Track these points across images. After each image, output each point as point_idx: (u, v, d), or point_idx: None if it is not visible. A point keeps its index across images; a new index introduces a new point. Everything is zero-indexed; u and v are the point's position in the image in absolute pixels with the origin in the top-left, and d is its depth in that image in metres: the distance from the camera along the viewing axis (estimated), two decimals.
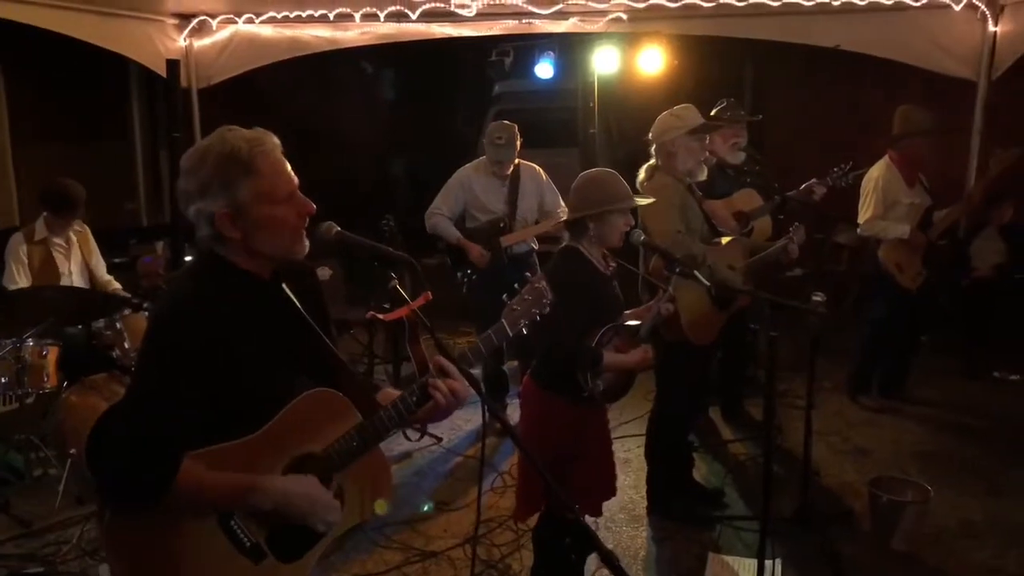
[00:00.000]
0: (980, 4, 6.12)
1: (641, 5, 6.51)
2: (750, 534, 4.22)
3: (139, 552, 1.98)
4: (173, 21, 7.29)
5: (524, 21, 6.87)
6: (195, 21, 7.30)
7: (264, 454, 2.02)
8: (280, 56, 7.34)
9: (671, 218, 4.07)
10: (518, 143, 5.56)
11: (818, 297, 3.61)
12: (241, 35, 7.34)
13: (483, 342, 2.26)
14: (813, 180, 5.28)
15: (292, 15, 7.07)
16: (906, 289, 5.70)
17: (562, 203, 5.57)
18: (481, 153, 5.81)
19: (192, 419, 1.94)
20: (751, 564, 3.77)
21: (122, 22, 6.85)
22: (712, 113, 5.36)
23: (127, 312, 5.01)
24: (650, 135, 4.27)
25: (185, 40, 7.36)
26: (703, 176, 4.36)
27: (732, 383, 5.97)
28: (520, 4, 6.60)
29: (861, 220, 5.79)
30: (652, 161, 4.27)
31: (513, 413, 5.10)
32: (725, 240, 4.34)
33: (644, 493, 4.61)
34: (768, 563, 3.46)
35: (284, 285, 2.14)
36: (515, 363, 6.25)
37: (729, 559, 4.04)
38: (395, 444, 5.39)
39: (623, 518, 4.52)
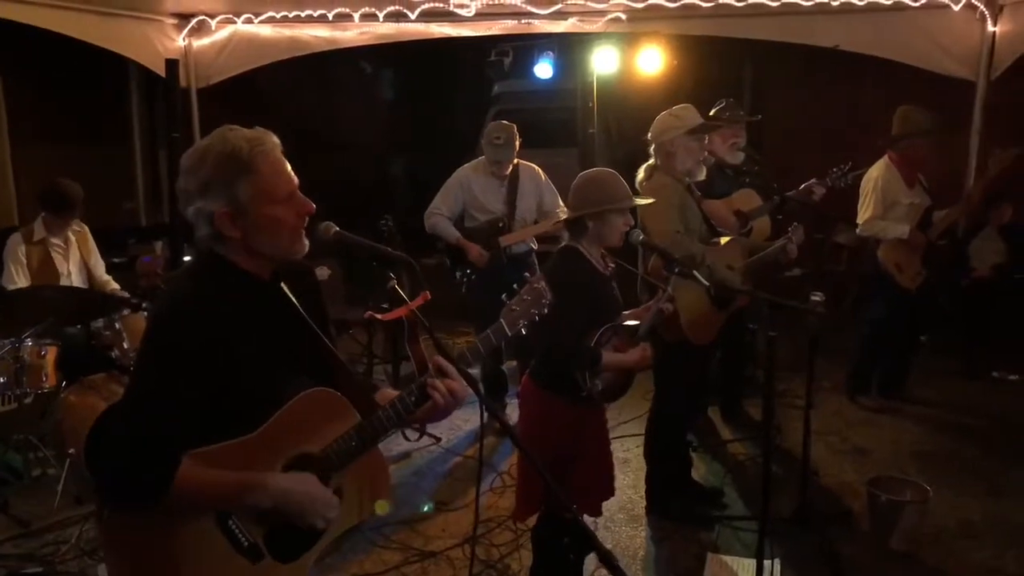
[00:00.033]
0: (979, 4, 6.13)
1: (640, 5, 6.51)
2: (749, 534, 4.22)
3: (137, 552, 1.98)
4: (172, 21, 7.29)
5: (523, 21, 6.87)
6: (194, 21, 7.30)
7: (262, 454, 2.02)
8: (279, 56, 7.34)
9: (670, 218, 4.07)
10: (517, 143, 5.56)
11: (817, 297, 3.61)
12: (240, 35, 7.34)
13: (482, 342, 2.26)
14: (812, 180, 5.28)
15: (291, 15, 7.07)
16: (905, 289, 5.70)
17: (561, 203, 5.56)
18: (480, 153, 5.80)
19: (191, 419, 1.93)
20: (750, 564, 3.77)
21: (121, 22, 6.85)
22: (711, 113, 5.36)
23: (126, 312, 5.01)
24: (649, 135, 4.27)
25: (184, 40, 7.36)
26: (702, 176, 4.35)
27: (731, 383, 5.97)
28: (519, 4, 6.60)
29: (860, 220, 5.79)
30: (651, 161, 4.26)
31: (512, 413, 5.09)
32: (724, 240, 4.34)
33: (643, 493, 4.61)
34: (767, 563, 3.45)
35: (283, 285, 2.14)
36: (514, 363, 6.24)
37: (728, 559, 4.03)
38: (394, 444, 5.39)
39: (622, 518, 4.52)
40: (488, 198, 5.68)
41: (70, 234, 5.52)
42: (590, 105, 7.42)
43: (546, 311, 2.29)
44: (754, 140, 6.07)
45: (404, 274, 3.74)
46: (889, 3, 6.21)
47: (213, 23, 7.31)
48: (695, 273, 3.51)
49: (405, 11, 6.79)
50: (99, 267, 5.72)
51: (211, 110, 7.58)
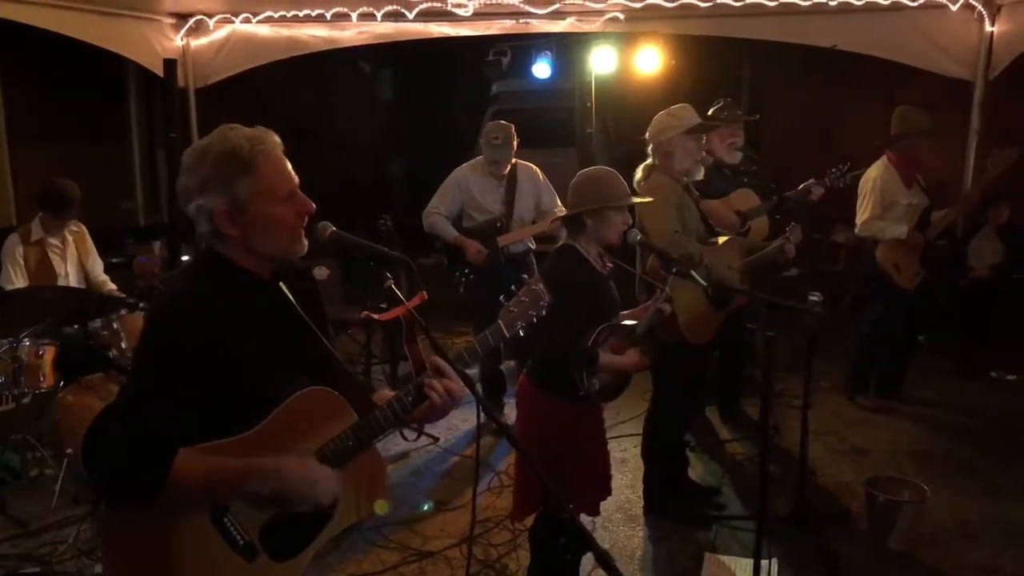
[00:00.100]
0: (977, 4, 6.13)
1: (638, 5, 6.51)
2: (746, 534, 4.23)
3: (133, 551, 1.98)
4: (170, 20, 7.28)
5: (521, 21, 6.87)
6: (192, 20, 7.29)
7: (258, 452, 2.01)
8: (277, 56, 7.33)
9: (668, 218, 4.07)
10: (515, 143, 5.56)
11: (815, 297, 3.60)
12: (238, 35, 7.33)
13: (480, 343, 2.27)
14: (811, 180, 5.29)
15: (289, 15, 7.06)
16: (903, 289, 5.71)
17: (559, 203, 5.56)
18: (478, 153, 5.80)
19: (189, 418, 1.93)
20: (747, 564, 3.77)
21: (119, 22, 6.85)
22: (709, 113, 5.37)
23: (124, 312, 5.01)
24: (647, 135, 4.27)
25: (182, 40, 7.35)
26: (700, 176, 4.36)
27: (729, 383, 5.97)
28: (517, 4, 6.60)
29: (859, 221, 5.79)
30: (649, 161, 4.26)
31: (510, 413, 5.10)
32: (722, 240, 4.34)
33: (641, 493, 4.61)
34: (764, 563, 3.45)
35: (282, 285, 2.14)
36: (512, 363, 6.25)
37: (725, 559, 4.04)
38: (392, 444, 5.39)
39: (620, 518, 4.52)
40: (486, 198, 5.68)
41: (67, 234, 5.52)
42: (588, 105, 7.42)
43: (544, 313, 2.30)
44: (752, 140, 6.08)
45: (402, 274, 3.75)
46: (887, 3, 6.21)
47: (211, 23, 7.30)
48: (693, 273, 3.51)
49: (403, 11, 6.79)
50: (97, 267, 5.72)
51: (209, 110, 7.58)
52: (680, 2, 6.40)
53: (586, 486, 3.46)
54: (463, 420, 5.70)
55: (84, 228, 5.66)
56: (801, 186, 5.29)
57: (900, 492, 4.25)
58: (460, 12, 6.75)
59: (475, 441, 3.31)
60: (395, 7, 6.76)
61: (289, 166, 2.06)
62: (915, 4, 6.20)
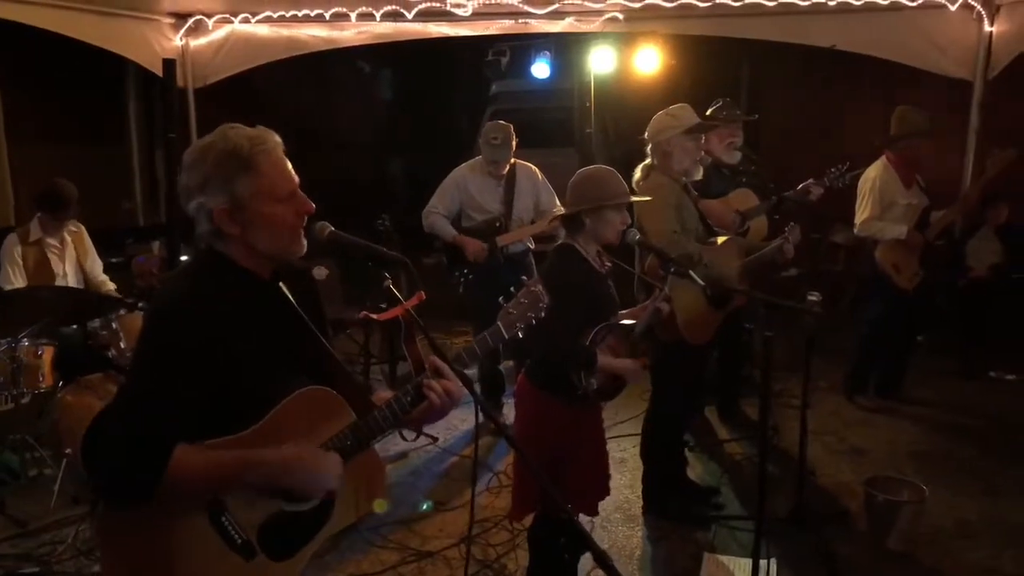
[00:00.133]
0: (976, 4, 6.14)
1: (637, 5, 6.51)
2: (745, 534, 4.23)
3: (132, 550, 1.98)
4: (169, 20, 7.28)
5: (520, 21, 6.87)
6: (191, 20, 7.29)
7: None
8: (276, 56, 7.33)
9: (667, 218, 4.07)
10: (514, 143, 5.56)
11: (813, 297, 3.60)
12: (237, 34, 7.33)
13: (479, 344, 2.27)
14: (810, 180, 5.28)
15: (288, 14, 7.06)
16: (903, 290, 5.71)
17: (558, 203, 5.56)
18: (477, 153, 5.80)
19: (188, 418, 1.93)
20: (746, 564, 3.77)
21: (118, 22, 6.85)
22: (708, 113, 5.36)
23: (123, 312, 5.01)
24: (646, 134, 4.27)
25: (181, 39, 7.35)
26: (699, 176, 4.36)
27: (728, 383, 5.97)
28: (516, 4, 6.60)
29: (858, 221, 5.79)
30: (648, 160, 4.26)
31: (509, 413, 5.10)
32: (720, 240, 4.34)
33: (640, 493, 4.61)
34: (763, 563, 3.45)
35: (282, 285, 2.14)
36: (511, 363, 6.25)
37: (724, 559, 4.04)
38: (391, 444, 5.39)
39: (619, 518, 4.52)
40: (485, 198, 5.68)
41: (66, 234, 5.52)
42: (587, 105, 7.42)
43: (543, 315, 2.30)
44: (751, 140, 6.08)
45: (402, 274, 3.74)
46: (886, 3, 6.21)
47: (210, 23, 7.30)
48: (691, 273, 3.51)
49: (402, 11, 6.79)
50: (96, 267, 5.72)
51: (208, 110, 7.58)
52: (679, 2, 6.40)
53: (584, 486, 3.46)
54: (462, 420, 5.70)
55: (83, 228, 5.66)
56: (800, 186, 5.29)
57: (899, 492, 4.25)
58: (459, 12, 6.75)
59: (474, 441, 3.31)
60: (394, 7, 6.77)
61: (289, 166, 2.07)
62: (914, 4, 6.20)
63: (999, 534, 4.30)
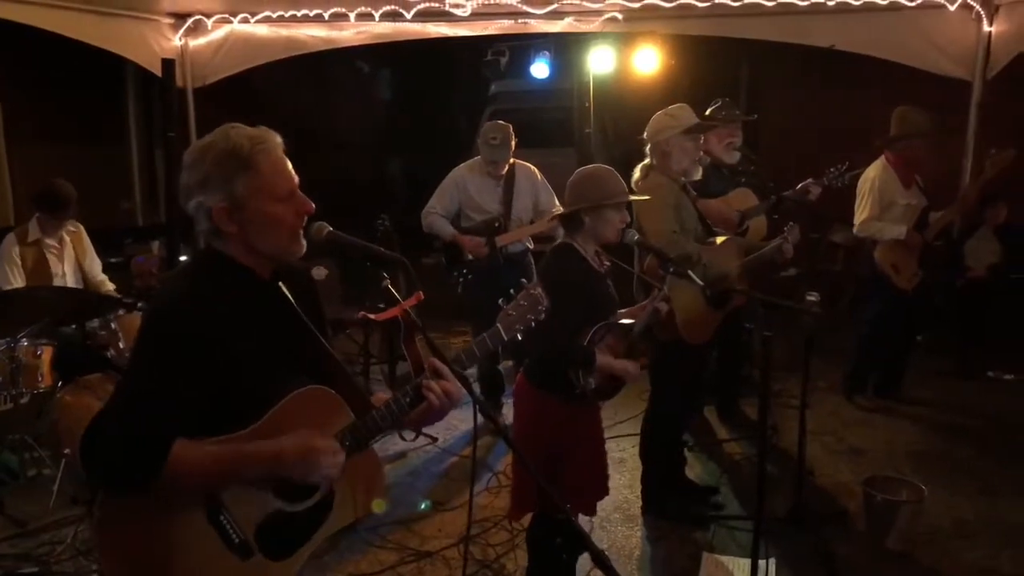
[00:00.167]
0: (975, 4, 6.13)
1: (636, 5, 6.51)
2: (744, 534, 4.23)
3: (129, 549, 1.98)
4: (168, 20, 7.27)
5: (519, 21, 6.87)
6: (190, 20, 7.28)
7: None
8: (275, 56, 7.33)
9: (666, 218, 4.07)
10: (513, 143, 5.55)
11: (812, 297, 3.61)
12: (236, 34, 7.33)
13: (478, 346, 2.28)
14: (809, 180, 5.28)
15: (287, 14, 7.05)
16: (902, 290, 5.71)
17: (557, 203, 5.56)
18: (477, 153, 5.81)
19: (187, 417, 1.93)
20: (745, 564, 3.78)
21: (118, 22, 6.84)
22: (707, 113, 5.36)
23: (121, 312, 5.01)
24: (645, 135, 4.26)
25: (180, 40, 7.34)
26: (698, 176, 4.36)
27: (728, 382, 5.97)
28: (515, 4, 6.60)
29: (857, 221, 5.79)
30: (647, 160, 4.26)
31: (509, 413, 5.10)
32: (720, 240, 4.34)
33: (639, 493, 4.61)
34: (762, 563, 3.45)
35: (281, 285, 2.14)
36: (510, 363, 6.25)
37: (723, 559, 4.04)
38: (390, 444, 5.40)
39: (618, 518, 4.52)
40: (484, 198, 5.68)
41: (65, 234, 5.51)
42: (586, 105, 7.43)
43: (542, 318, 2.31)
44: (750, 140, 6.08)
45: (401, 274, 3.74)
46: (885, 3, 6.21)
47: (209, 23, 7.29)
48: (690, 273, 3.51)
49: (401, 11, 6.79)
50: (95, 267, 5.71)
51: (207, 110, 7.57)
52: (678, 2, 6.40)
53: (582, 486, 3.45)
54: (461, 420, 5.69)
55: (81, 228, 5.66)
56: (799, 185, 5.29)
57: (898, 492, 4.25)
58: (458, 12, 6.75)
59: (472, 441, 3.31)
60: (393, 7, 6.77)
61: (290, 165, 2.07)
62: (913, 4, 6.20)
63: (997, 534, 4.30)
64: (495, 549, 4.19)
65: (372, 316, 5.68)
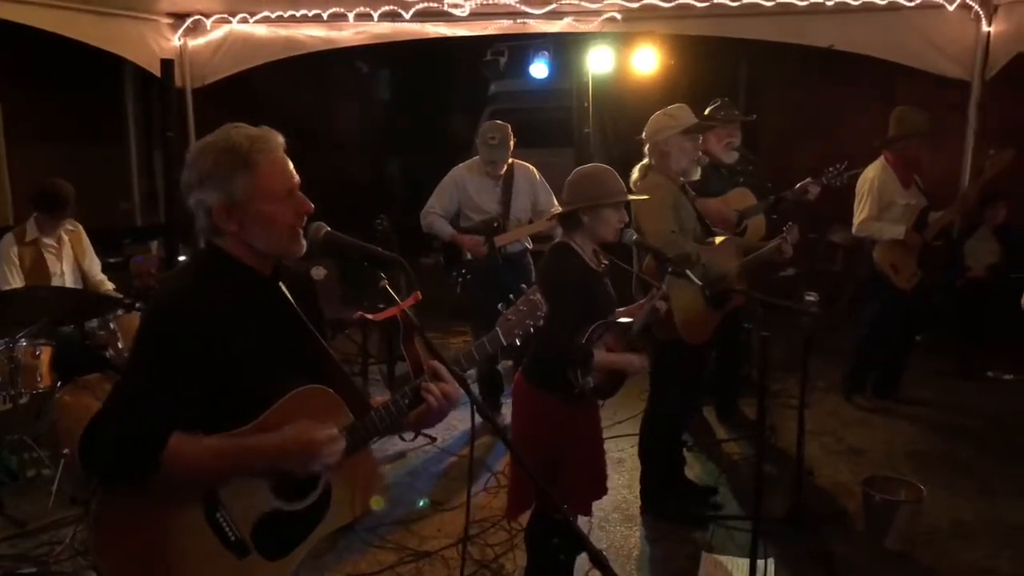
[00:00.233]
0: (974, 4, 6.13)
1: (635, 5, 6.51)
2: (743, 534, 4.22)
3: (126, 548, 1.97)
4: (167, 20, 7.27)
5: (518, 21, 6.87)
6: (189, 21, 7.28)
7: None
8: (275, 56, 7.33)
9: (665, 218, 4.07)
10: (511, 143, 5.56)
11: (811, 297, 3.61)
12: (235, 35, 7.33)
13: (477, 349, 2.28)
14: (808, 179, 5.27)
15: (286, 15, 7.06)
16: (901, 290, 5.71)
17: (556, 203, 5.56)
18: (476, 153, 5.81)
19: (187, 416, 1.93)
20: (744, 564, 3.77)
21: (117, 22, 6.84)
22: (706, 112, 5.37)
23: (120, 312, 5.01)
24: (643, 134, 4.27)
25: (179, 40, 7.34)
26: (696, 176, 4.35)
27: (727, 382, 5.97)
28: (514, 4, 6.60)
29: (856, 221, 5.79)
30: (645, 160, 4.27)
31: (507, 413, 5.10)
32: (718, 240, 4.34)
33: (638, 493, 4.61)
34: (761, 563, 3.46)
35: (281, 284, 2.14)
36: (509, 363, 6.25)
37: (722, 559, 4.04)
38: (389, 444, 5.38)
39: (617, 518, 4.52)
40: (483, 198, 5.68)
41: (63, 234, 5.51)
42: (585, 105, 7.44)
43: (541, 323, 2.31)
44: (749, 140, 6.08)
45: (400, 274, 3.74)
46: (884, 3, 6.21)
47: (208, 23, 7.29)
48: (688, 273, 3.51)
49: (400, 11, 6.79)
50: (94, 267, 5.71)
51: (206, 110, 7.57)
52: (677, 2, 6.39)
53: (581, 486, 3.45)
54: (460, 420, 5.62)
55: (80, 227, 5.65)
56: (798, 185, 5.28)
57: (897, 492, 4.25)
58: (457, 12, 6.75)
59: (470, 442, 3.31)
60: (392, 7, 6.76)
61: (290, 165, 2.08)
62: (912, 4, 6.20)
63: (996, 534, 4.30)
64: (494, 549, 4.19)
65: (370, 316, 5.68)
